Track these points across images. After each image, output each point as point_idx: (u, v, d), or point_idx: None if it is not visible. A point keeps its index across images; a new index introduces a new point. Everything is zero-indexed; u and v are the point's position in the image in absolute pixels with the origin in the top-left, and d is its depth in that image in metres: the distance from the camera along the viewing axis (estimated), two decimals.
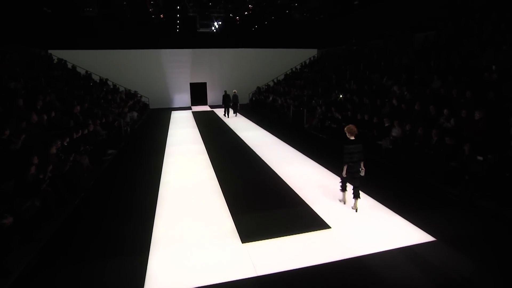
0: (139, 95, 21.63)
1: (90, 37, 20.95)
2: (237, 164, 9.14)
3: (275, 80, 24.47)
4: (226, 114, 18.45)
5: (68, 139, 8.12)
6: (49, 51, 20.02)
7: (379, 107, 11.31)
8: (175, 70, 23.99)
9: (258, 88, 24.19)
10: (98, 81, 20.02)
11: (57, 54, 19.74)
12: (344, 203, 6.19)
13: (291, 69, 24.46)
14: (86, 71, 19.88)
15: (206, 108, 23.86)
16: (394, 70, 13.39)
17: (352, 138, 5.68)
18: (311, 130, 13.73)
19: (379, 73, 14.06)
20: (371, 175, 7.94)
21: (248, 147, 11.05)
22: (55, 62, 18.77)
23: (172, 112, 21.47)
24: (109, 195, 7.05)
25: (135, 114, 16.78)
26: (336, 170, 8.06)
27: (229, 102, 18.51)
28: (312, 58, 24.80)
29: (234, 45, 24.35)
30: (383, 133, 9.68)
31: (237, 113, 18.94)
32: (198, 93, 25.03)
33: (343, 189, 6.14)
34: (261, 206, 6.20)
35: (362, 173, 5.77)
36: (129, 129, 14.05)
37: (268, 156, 9.80)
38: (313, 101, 15.63)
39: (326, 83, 17.23)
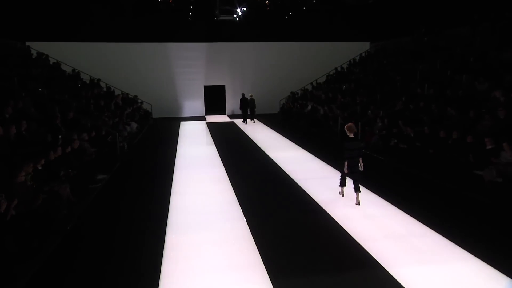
0: (139, 101, 21.85)
1: (80, 26, 21.32)
2: (273, 199, 8.69)
3: (314, 83, 24.46)
4: (245, 121, 21.32)
5: (43, 161, 7.94)
6: (27, 43, 20.34)
7: (474, 121, 10.68)
8: (186, 69, 24.25)
9: (292, 93, 24.18)
10: (88, 82, 20.23)
11: (37, 46, 19.95)
12: (343, 196, 8.29)
13: (335, 68, 24.33)
14: (73, 69, 20.15)
15: (224, 118, 24.28)
16: (491, 69, 12.75)
17: (351, 135, 7.76)
18: (368, 151, 12.92)
19: (467, 73, 13.50)
20: (472, 225, 6.92)
21: (285, 174, 10.60)
22: (34, 57, 19.11)
23: (181, 123, 21.73)
24: (95, 242, 6.62)
25: (134, 125, 16.87)
26: (413, 212, 7.33)
27: (247, 107, 21.19)
28: (363, 54, 24.71)
29: (261, 37, 24.47)
30: (484, 159, 8.89)
31: (255, 119, 21.90)
32: (214, 99, 25.42)
33: (343, 184, 8.23)
34: (312, 265, 5.61)
35: (361, 168, 7.73)
36: (126, 146, 14.08)
37: (313, 188, 9.16)
38: (369, 111, 15.28)
39: (388, 87, 16.84)
